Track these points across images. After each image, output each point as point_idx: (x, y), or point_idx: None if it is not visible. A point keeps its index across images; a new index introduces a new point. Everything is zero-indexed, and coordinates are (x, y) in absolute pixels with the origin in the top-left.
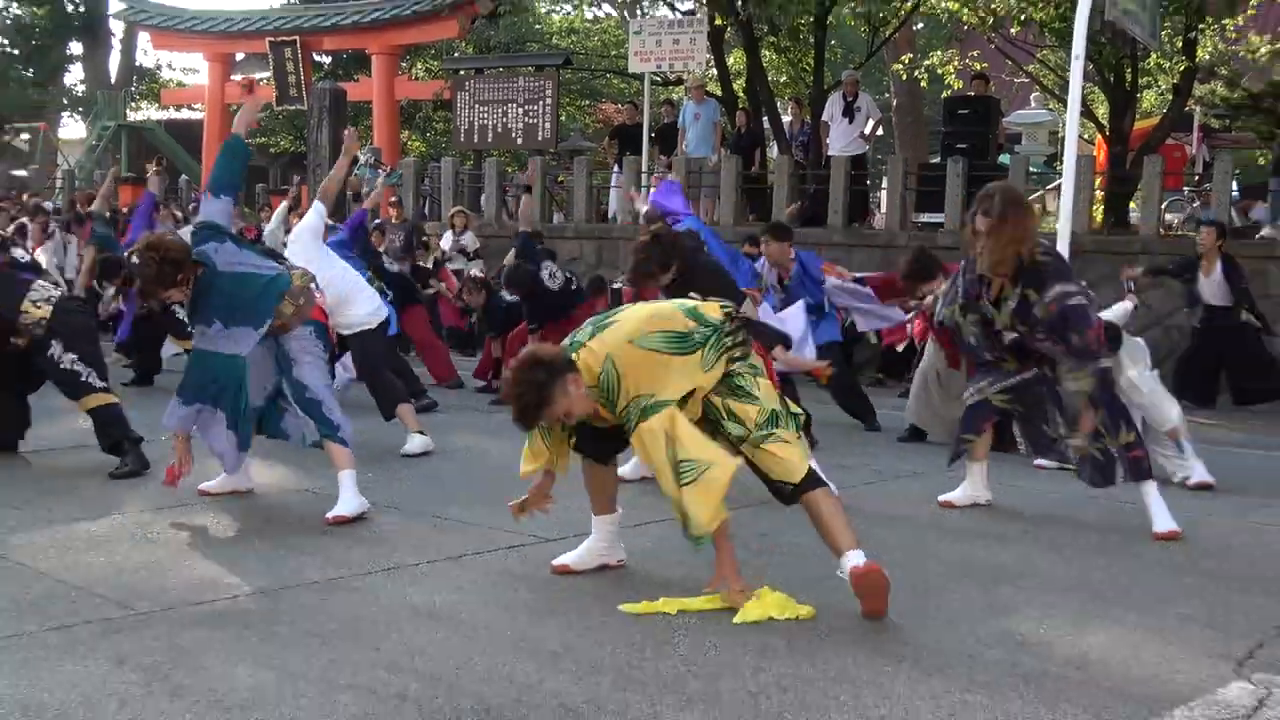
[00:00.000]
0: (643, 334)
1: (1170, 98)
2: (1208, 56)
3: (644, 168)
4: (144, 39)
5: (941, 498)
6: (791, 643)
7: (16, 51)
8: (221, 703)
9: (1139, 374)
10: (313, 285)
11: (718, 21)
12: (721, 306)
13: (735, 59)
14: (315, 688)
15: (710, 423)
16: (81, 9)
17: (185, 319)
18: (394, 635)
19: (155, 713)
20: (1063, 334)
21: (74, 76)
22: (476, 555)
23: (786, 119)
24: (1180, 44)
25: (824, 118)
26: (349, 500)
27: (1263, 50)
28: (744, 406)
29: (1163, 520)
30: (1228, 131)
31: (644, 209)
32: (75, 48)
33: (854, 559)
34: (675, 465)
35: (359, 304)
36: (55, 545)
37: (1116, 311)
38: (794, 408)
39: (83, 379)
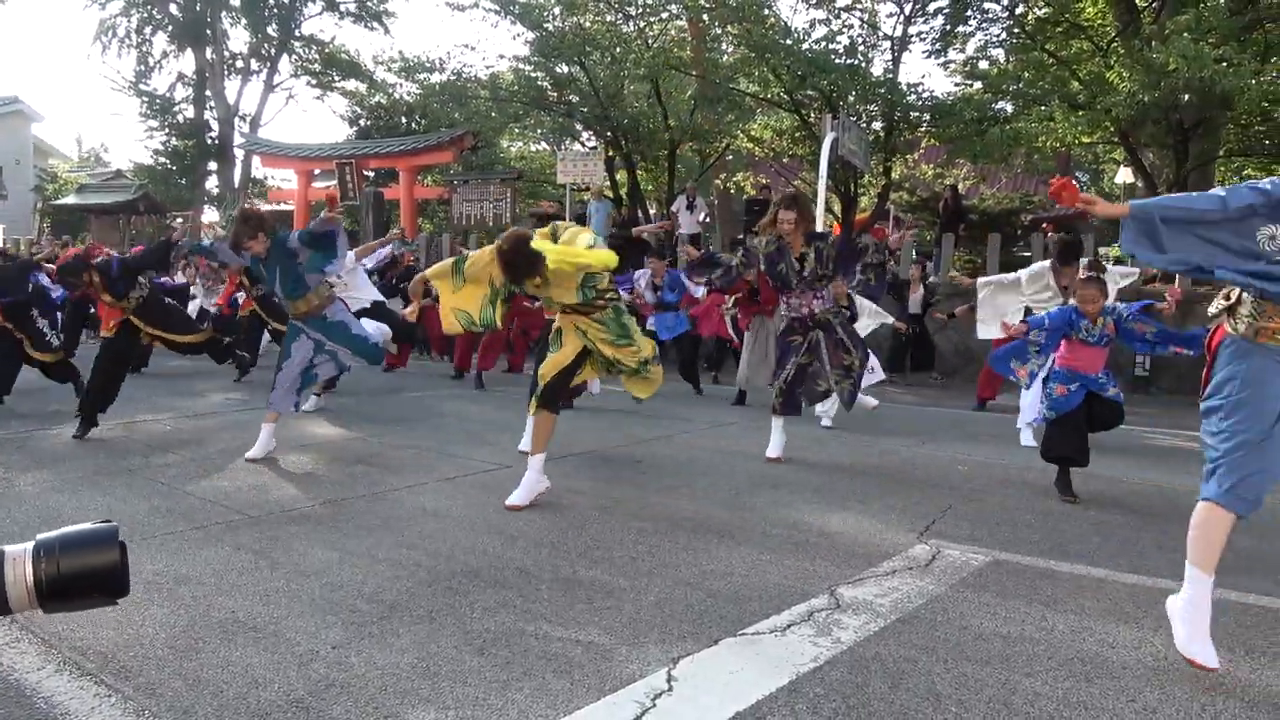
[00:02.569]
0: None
1: (876, 200)
2: (897, 176)
3: None
4: (256, 160)
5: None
6: (657, 526)
7: (174, 168)
8: (304, 572)
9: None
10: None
11: (610, 153)
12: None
13: (620, 175)
14: (363, 561)
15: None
16: (216, 141)
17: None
18: (412, 527)
19: (261, 579)
20: (848, 264)
21: (212, 182)
22: (463, 476)
23: (652, 211)
24: (882, 169)
25: (673, 209)
26: (386, 337)
27: (930, 173)
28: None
29: (871, 400)
30: (910, 220)
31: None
32: (212, 165)
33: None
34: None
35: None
36: (197, 475)
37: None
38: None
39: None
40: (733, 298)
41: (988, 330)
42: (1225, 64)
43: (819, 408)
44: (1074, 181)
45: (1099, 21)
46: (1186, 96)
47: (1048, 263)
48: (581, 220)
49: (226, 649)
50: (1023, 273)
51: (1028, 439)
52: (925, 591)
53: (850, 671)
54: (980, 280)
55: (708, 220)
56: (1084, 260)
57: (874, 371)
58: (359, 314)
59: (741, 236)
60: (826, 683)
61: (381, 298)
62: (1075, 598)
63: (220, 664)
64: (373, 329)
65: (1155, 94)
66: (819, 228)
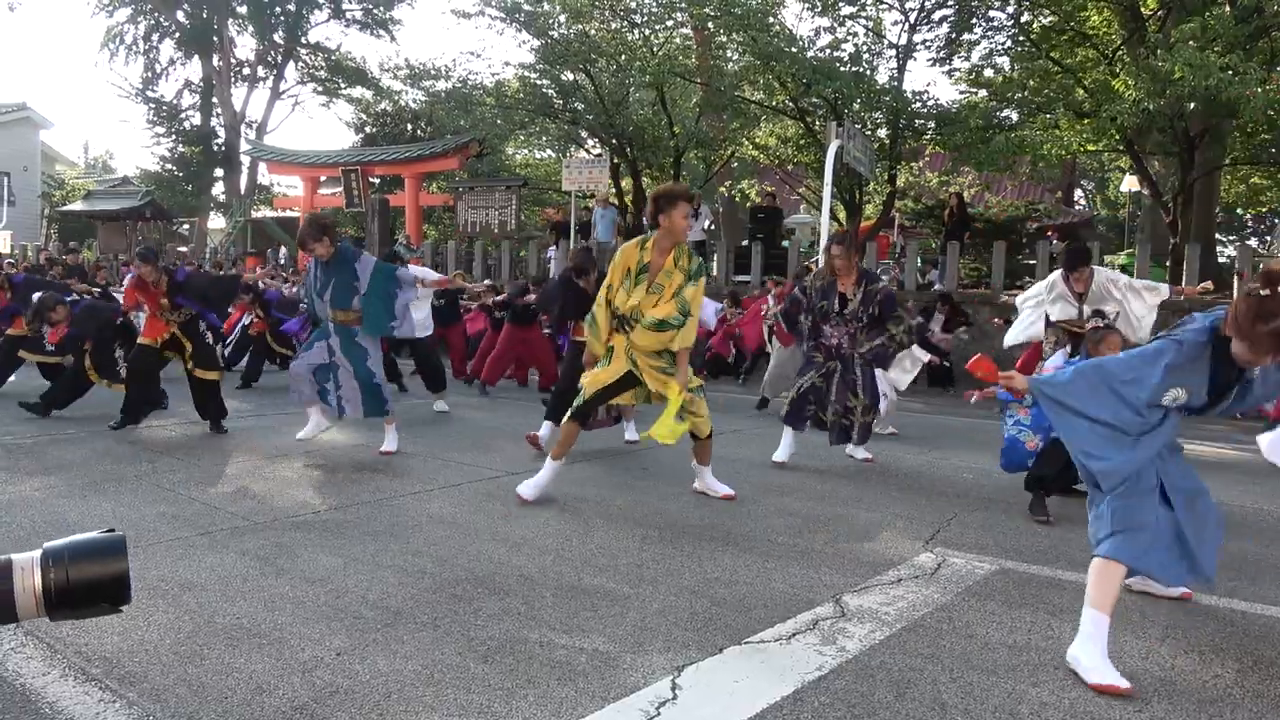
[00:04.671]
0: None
1: (881, 208)
2: (902, 184)
3: (571, 247)
4: (262, 167)
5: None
6: (662, 534)
7: (181, 174)
8: (308, 578)
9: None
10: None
11: (615, 160)
12: None
13: (625, 182)
14: (368, 567)
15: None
16: (223, 148)
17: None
18: (418, 534)
19: (266, 585)
20: (888, 310)
21: (218, 189)
22: (468, 483)
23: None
24: (886, 176)
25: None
26: (392, 442)
27: (934, 181)
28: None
29: (862, 453)
30: (914, 227)
31: None
32: (218, 171)
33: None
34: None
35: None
36: (203, 481)
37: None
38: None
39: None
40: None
41: (1014, 338)
42: (1231, 72)
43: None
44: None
45: (1104, 30)
46: (1192, 105)
47: (1058, 273)
48: (586, 227)
49: (231, 655)
50: (1040, 286)
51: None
52: (931, 600)
53: (855, 680)
54: (1019, 299)
55: (712, 228)
56: (1096, 319)
57: (887, 416)
58: (399, 344)
59: (746, 243)
60: (831, 692)
61: (429, 331)
62: (1081, 606)
63: (225, 670)
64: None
65: (1160, 102)
66: (824, 236)
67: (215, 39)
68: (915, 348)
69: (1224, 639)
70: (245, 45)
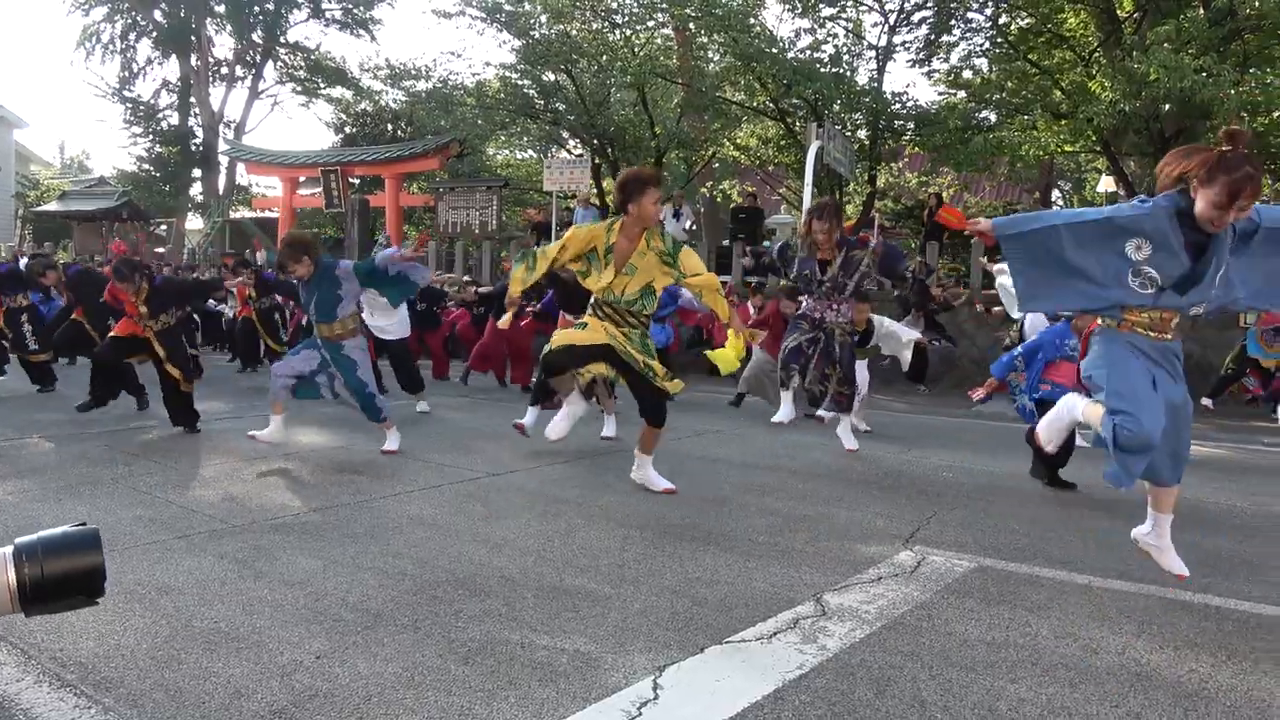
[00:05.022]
0: None
1: (861, 208)
2: (882, 184)
3: None
4: (241, 168)
5: (774, 418)
6: (643, 534)
7: (158, 174)
8: (287, 581)
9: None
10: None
11: (596, 161)
12: None
13: (607, 183)
14: (347, 570)
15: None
16: (200, 148)
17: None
18: (398, 536)
19: (245, 588)
20: (891, 268)
21: (196, 189)
22: (449, 484)
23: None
24: (867, 177)
25: (660, 218)
26: (394, 441)
27: (913, 181)
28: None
29: (849, 441)
30: (894, 228)
31: None
32: (196, 171)
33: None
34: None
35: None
36: (180, 483)
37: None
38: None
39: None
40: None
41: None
42: (1205, 74)
43: (840, 429)
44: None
45: (1081, 32)
46: (1167, 106)
47: None
48: (568, 228)
49: (209, 659)
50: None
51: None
52: (911, 598)
53: (836, 679)
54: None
55: (694, 228)
56: None
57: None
58: (380, 346)
59: (727, 243)
60: (812, 690)
61: (407, 334)
62: (1059, 603)
63: (202, 674)
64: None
65: (1136, 103)
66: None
67: (193, 38)
68: (904, 329)
69: (1199, 633)
70: (223, 44)
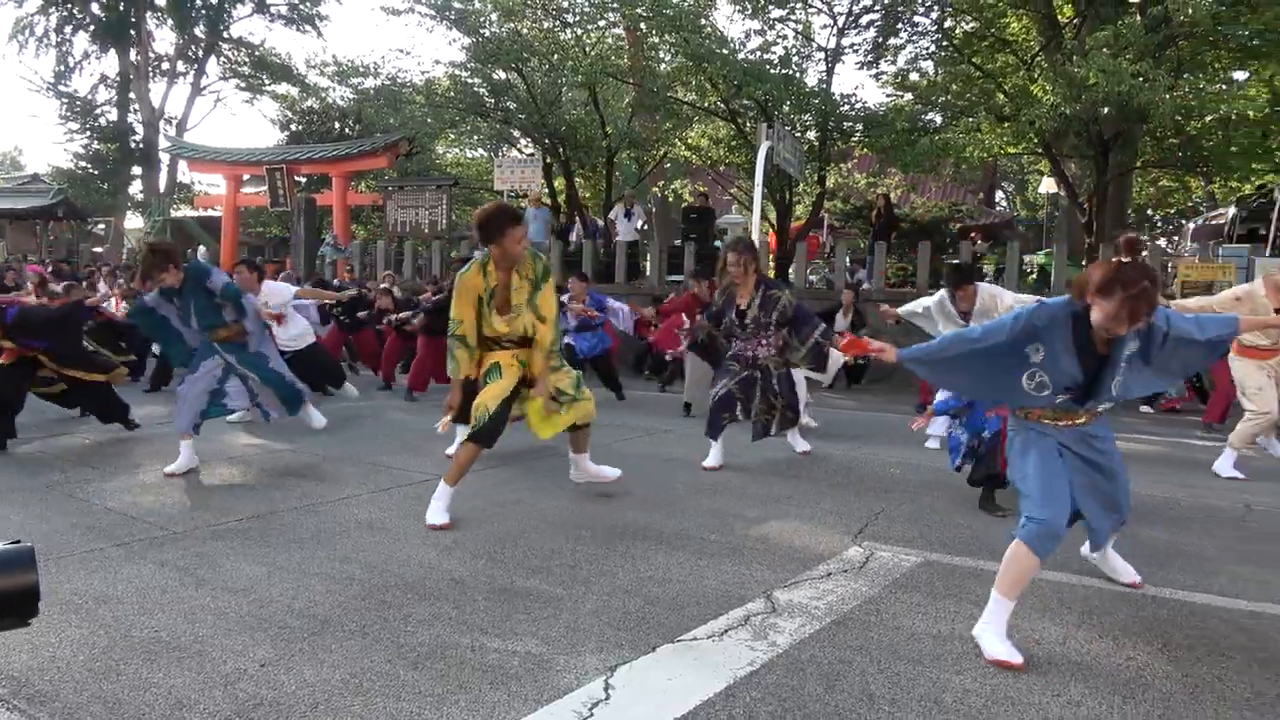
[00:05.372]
0: None
1: (811, 209)
2: (831, 185)
3: None
4: (183, 165)
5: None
6: (595, 535)
7: (96, 172)
8: (231, 588)
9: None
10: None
11: (547, 160)
12: None
13: (558, 182)
14: (293, 575)
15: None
16: (140, 145)
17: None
18: (345, 540)
19: (186, 597)
20: (797, 326)
21: (135, 187)
22: (398, 487)
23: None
24: (816, 178)
25: (611, 217)
26: (318, 418)
27: (862, 182)
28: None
29: (801, 445)
30: (843, 228)
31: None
32: (136, 169)
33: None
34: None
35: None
36: (119, 490)
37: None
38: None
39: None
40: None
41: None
42: (1141, 79)
43: (790, 436)
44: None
45: (1023, 36)
46: (1106, 110)
47: (944, 292)
48: None
49: (149, 670)
50: (930, 304)
51: (934, 444)
52: (859, 593)
53: (786, 674)
54: (903, 310)
55: (645, 228)
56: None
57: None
58: (295, 356)
59: (679, 243)
60: (763, 686)
61: (313, 339)
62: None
63: (142, 685)
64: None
65: (1076, 107)
66: (755, 237)
67: (133, 32)
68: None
69: (1137, 623)
70: (164, 39)
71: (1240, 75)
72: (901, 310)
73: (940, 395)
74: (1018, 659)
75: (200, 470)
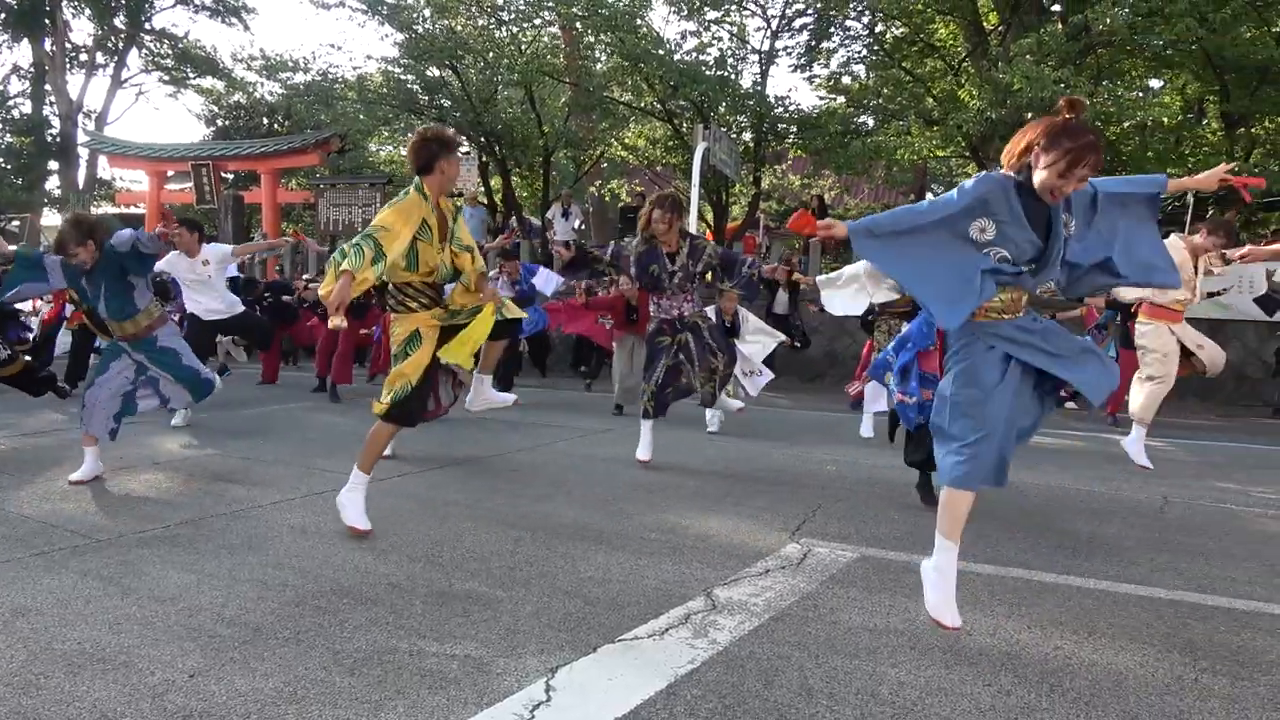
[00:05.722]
0: None
1: (747, 209)
2: (767, 186)
3: None
4: (103, 160)
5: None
6: (534, 535)
7: (9, 166)
8: (158, 597)
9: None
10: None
11: (483, 159)
12: None
13: (495, 181)
14: (223, 583)
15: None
16: (57, 139)
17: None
18: (278, 545)
19: (110, 606)
20: (729, 267)
21: (52, 182)
22: (331, 491)
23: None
24: (752, 178)
25: (549, 216)
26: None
27: (797, 183)
28: None
29: (735, 404)
30: (779, 228)
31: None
32: (53, 164)
33: None
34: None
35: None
36: (36, 497)
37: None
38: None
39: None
40: (609, 316)
41: (843, 307)
42: (1063, 85)
43: (708, 414)
44: (808, 213)
45: (950, 42)
46: (1030, 115)
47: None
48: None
49: (71, 683)
50: (856, 269)
51: (867, 430)
52: (797, 589)
53: (726, 671)
54: (821, 279)
55: (583, 227)
56: None
57: (763, 373)
58: (218, 325)
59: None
60: (703, 684)
61: (242, 308)
62: None
63: (65, 699)
64: (206, 370)
65: (1002, 111)
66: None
67: (48, 21)
68: (762, 325)
69: (1063, 613)
70: (82, 29)
71: (1155, 83)
72: (820, 279)
73: (875, 362)
74: (956, 623)
75: (124, 475)
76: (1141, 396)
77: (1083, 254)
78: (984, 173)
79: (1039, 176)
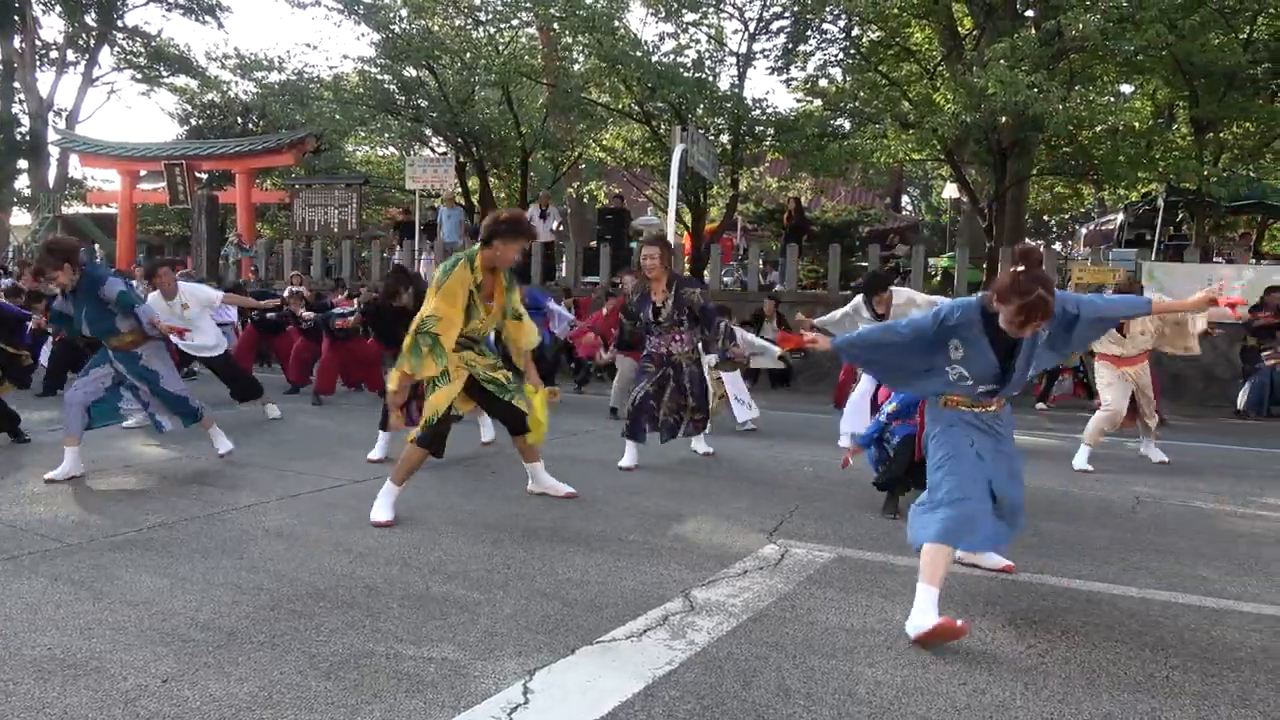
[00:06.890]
0: None
1: (724, 211)
2: (744, 188)
3: (415, 247)
4: (75, 159)
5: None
6: (512, 537)
7: None
8: (130, 601)
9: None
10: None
11: (461, 160)
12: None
13: (473, 182)
14: (198, 587)
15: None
16: (27, 137)
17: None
18: (254, 549)
19: (82, 611)
20: (706, 321)
21: (22, 182)
22: (307, 493)
23: None
24: (729, 180)
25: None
26: (224, 443)
27: (774, 185)
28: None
29: (703, 448)
30: (756, 230)
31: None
32: (23, 163)
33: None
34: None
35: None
36: (6, 500)
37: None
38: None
39: None
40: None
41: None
42: (1036, 90)
43: (694, 441)
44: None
45: (926, 46)
46: (1004, 118)
47: (860, 298)
48: (432, 227)
49: (42, 689)
50: (846, 311)
51: (845, 441)
52: (775, 590)
53: (704, 672)
54: (818, 321)
55: (561, 229)
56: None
57: (752, 408)
58: (206, 362)
59: (594, 244)
60: (681, 685)
61: (224, 346)
62: (912, 589)
63: (35, 706)
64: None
65: (976, 115)
66: (670, 238)
67: (17, 18)
68: (761, 343)
69: (1037, 612)
70: (52, 26)
71: (1126, 88)
72: (817, 322)
73: (850, 422)
74: (959, 623)
75: (96, 478)
76: (1091, 422)
77: (1046, 357)
78: (963, 300)
79: (1002, 319)
